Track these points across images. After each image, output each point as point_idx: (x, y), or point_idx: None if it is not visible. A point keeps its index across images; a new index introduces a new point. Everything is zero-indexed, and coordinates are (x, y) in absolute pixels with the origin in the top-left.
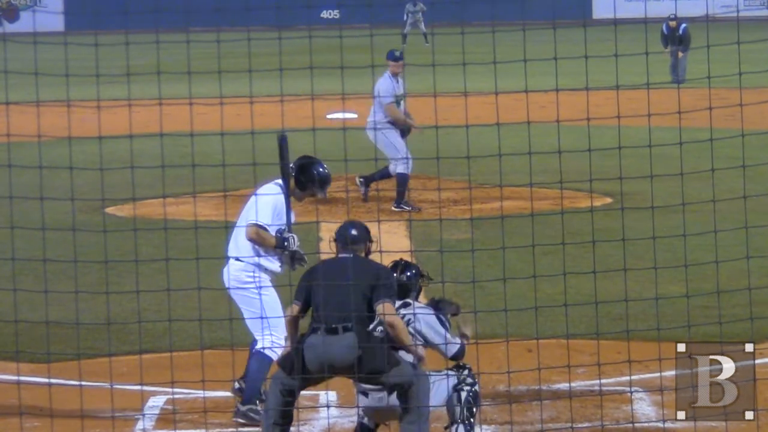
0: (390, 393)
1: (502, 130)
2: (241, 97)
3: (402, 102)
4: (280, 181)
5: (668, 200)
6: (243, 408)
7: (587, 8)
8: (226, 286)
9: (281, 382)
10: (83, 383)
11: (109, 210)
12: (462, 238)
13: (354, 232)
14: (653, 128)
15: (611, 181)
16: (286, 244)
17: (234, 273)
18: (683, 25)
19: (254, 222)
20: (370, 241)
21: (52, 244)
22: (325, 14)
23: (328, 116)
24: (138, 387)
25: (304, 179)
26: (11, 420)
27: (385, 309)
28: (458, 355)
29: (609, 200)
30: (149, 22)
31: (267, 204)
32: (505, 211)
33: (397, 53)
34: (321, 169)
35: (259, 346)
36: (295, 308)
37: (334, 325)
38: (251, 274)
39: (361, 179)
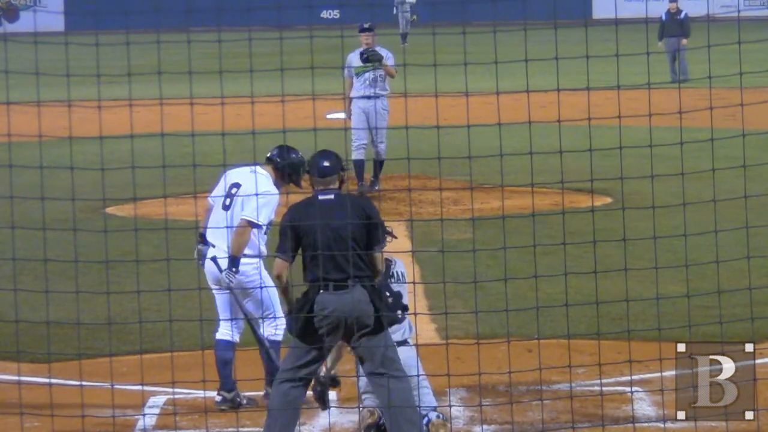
0: (374, 375)
1: (503, 130)
2: (242, 97)
3: (373, 72)
4: (265, 172)
5: (667, 200)
6: (229, 395)
7: (587, 8)
8: (212, 275)
9: (288, 378)
10: (83, 383)
11: (109, 210)
12: (462, 238)
13: (326, 163)
14: (654, 128)
15: (610, 181)
16: (234, 270)
17: (239, 267)
18: (684, 12)
19: (252, 220)
20: (343, 169)
21: (51, 244)
22: (325, 14)
23: (328, 116)
24: (138, 387)
25: (291, 171)
26: (12, 420)
27: (377, 260)
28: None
29: (608, 200)
30: (150, 22)
31: (268, 203)
32: (505, 211)
33: (366, 25)
34: (294, 155)
35: (265, 333)
36: (286, 264)
37: (341, 281)
38: (255, 266)
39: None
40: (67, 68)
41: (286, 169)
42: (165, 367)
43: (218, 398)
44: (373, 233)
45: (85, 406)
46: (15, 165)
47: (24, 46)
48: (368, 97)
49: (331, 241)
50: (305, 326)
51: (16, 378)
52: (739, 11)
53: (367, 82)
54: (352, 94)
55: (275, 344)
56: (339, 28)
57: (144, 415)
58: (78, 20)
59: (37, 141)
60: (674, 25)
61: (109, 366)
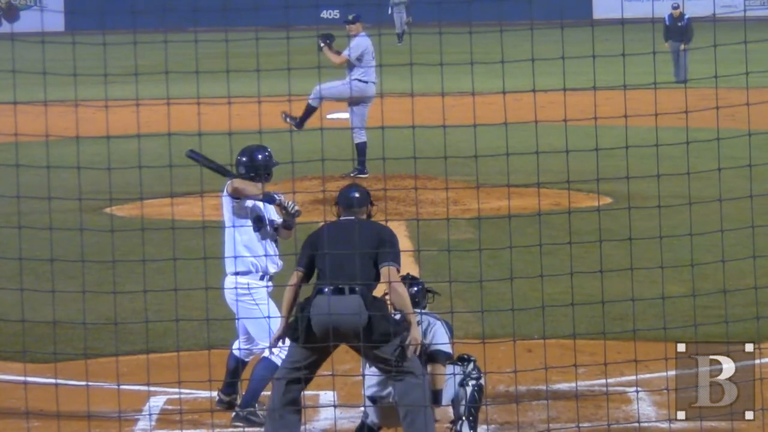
0: (390, 375)
1: (501, 130)
2: (245, 97)
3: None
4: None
5: (668, 200)
6: (242, 412)
7: (587, 8)
8: (226, 298)
9: (285, 376)
10: (89, 383)
11: (109, 210)
12: (462, 238)
13: (356, 194)
14: (652, 128)
15: (610, 181)
16: (274, 195)
17: (230, 286)
18: (686, 17)
19: (231, 181)
20: (371, 203)
21: (48, 243)
22: (325, 14)
23: (328, 116)
24: (138, 387)
25: (265, 171)
26: (16, 420)
27: (390, 272)
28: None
29: (609, 200)
30: (151, 22)
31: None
32: (504, 210)
33: (350, 17)
34: (267, 153)
35: (266, 353)
36: (298, 274)
37: (340, 286)
38: (245, 287)
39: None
40: (74, 68)
41: (251, 171)
42: (165, 366)
43: (217, 398)
44: (381, 251)
45: (83, 407)
46: (21, 165)
47: (23, 45)
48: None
49: (340, 249)
50: (303, 329)
51: (21, 378)
52: (745, 11)
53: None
54: None
55: (273, 365)
56: (340, 28)
57: (150, 414)
58: (78, 20)
59: (36, 141)
60: (676, 30)
61: (115, 366)
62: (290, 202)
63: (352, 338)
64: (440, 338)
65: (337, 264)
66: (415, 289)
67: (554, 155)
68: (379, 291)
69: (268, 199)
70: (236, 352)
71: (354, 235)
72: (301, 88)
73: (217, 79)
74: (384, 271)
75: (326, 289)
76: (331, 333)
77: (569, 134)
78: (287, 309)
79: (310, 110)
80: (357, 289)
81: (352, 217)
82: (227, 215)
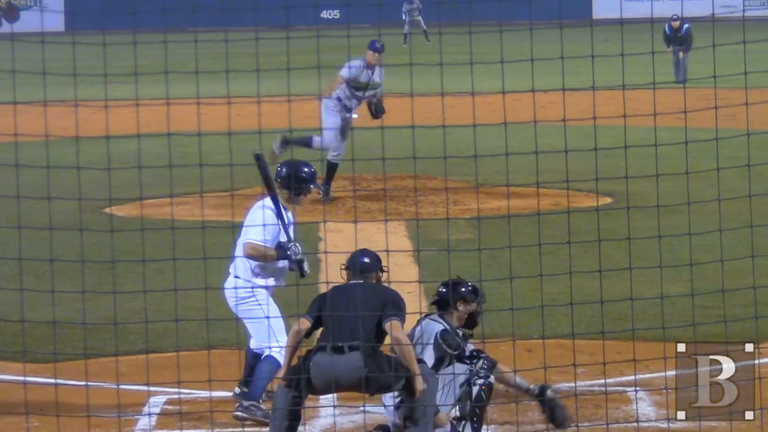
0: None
1: (501, 130)
2: (245, 97)
3: (372, 91)
4: (265, 201)
5: (667, 200)
6: (246, 403)
7: (587, 8)
8: (227, 301)
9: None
10: (89, 383)
11: (108, 210)
12: (462, 238)
13: (366, 260)
14: (652, 128)
15: (610, 181)
16: (288, 252)
17: (232, 290)
18: (686, 26)
19: (247, 241)
20: (381, 270)
21: (47, 243)
22: (325, 14)
23: None
24: (138, 387)
25: (299, 184)
26: (15, 420)
27: (393, 326)
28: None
29: (609, 200)
30: (150, 22)
31: (256, 222)
32: (503, 210)
33: (378, 45)
34: (306, 169)
35: (268, 352)
36: (305, 323)
37: (340, 344)
38: (249, 289)
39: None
40: (74, 68)
41: (292, 183)
42: (164, 366)
43: (238, 390)
44: (385, 309)
45: (88, 406)
46: (21, 165)
47: (23, 45)
48: (349, 109)
49: (344, 309)
50: (304, 383)
51: (21, 378)
52: (744, 11)
53: (357, 101)
54: (340, 95)
55: (277, 363)
56: (340, 28)
57: (150, 414)
58: (78, 20)
59: (36, 141)
60: (676, 39)
61: (115, 366)
62: (305, 264)
63: (353, 389)
64: (426, 354)
65: (340, 325)
66: (463, 290)
67: (554, 155)
68: None
69: (284, 256)
70: (253, 344)
71: (358, 297)
72: (301, 88)
73: (217, 79)
74: (387, 325)
75: (327, 347)
76: (333, 387)
77: (569, 134)
78: (289, 355)
79: (333, 167)
80: (356, 344)
81: (360, 281)
82: (242, 235)
